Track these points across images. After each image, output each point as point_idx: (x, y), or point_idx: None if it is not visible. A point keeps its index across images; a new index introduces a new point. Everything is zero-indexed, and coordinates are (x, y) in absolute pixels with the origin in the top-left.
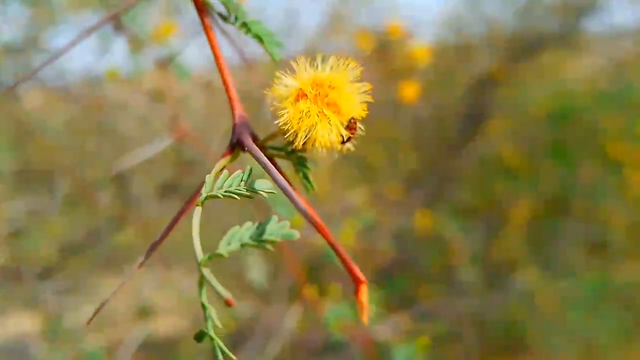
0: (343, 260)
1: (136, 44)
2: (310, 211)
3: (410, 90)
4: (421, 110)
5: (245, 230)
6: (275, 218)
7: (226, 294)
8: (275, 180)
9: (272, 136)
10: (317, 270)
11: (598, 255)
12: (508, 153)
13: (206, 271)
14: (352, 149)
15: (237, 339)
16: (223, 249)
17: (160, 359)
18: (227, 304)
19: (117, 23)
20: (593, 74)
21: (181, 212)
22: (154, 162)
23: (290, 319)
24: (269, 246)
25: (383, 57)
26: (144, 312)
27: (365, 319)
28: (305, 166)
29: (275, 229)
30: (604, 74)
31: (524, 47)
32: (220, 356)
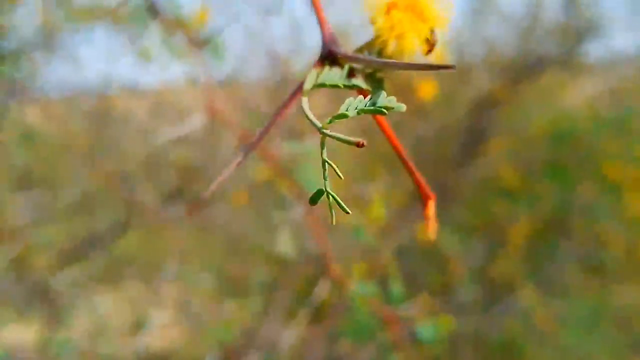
0: (410, 172)
1: (171, 28)
2: None
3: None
4: (422, 130)
5: (359, 102)
6: (384, 94)
7: (355, 139)
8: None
9: (360, 50)
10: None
11: (596, 276)
12: (507, 173)
13: (327, 130)
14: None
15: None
16: (344, 111)
17: None
18: (359, 145)
19: (152, 8)
20: (593, 98)
21: (290, 99)
22: (158, 169)
23: (321, 291)
24: (384, 110)
25: None
26: (140, 326)
27: (431, 233)
28: (382, 87)
29: (385, 101)
30: (603, 98)
31: (525, 70)
32: (333, 212)
